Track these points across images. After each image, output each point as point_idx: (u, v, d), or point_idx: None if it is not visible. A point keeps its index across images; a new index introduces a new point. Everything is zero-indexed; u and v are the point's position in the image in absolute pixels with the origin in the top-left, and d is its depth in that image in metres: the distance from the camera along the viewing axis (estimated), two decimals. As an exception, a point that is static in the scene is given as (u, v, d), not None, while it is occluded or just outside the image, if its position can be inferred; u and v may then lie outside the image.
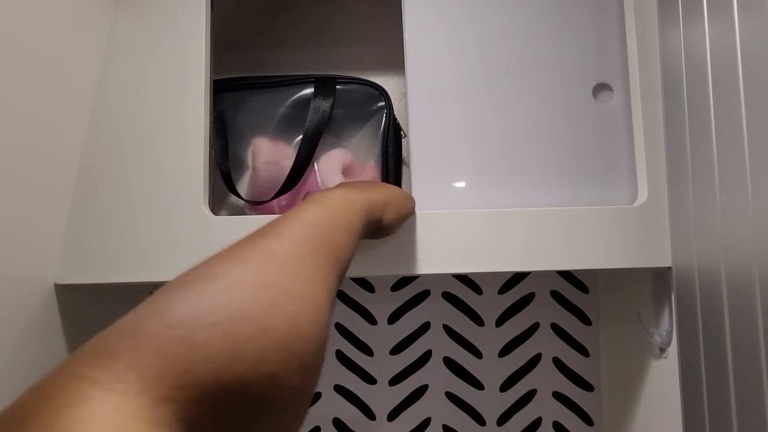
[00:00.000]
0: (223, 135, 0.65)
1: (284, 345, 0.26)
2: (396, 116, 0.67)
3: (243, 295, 0.26)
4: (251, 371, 0.24)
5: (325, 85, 0.66)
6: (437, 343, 0.79)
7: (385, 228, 0.45)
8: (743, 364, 0.40)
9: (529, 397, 0.78)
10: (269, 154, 0.64)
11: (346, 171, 0.65)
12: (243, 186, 0.66)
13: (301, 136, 0.64)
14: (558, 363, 0.79)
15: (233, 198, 0.65)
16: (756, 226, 0.39)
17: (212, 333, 0.24)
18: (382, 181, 0.65)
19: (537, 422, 0.78)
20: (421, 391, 0.78)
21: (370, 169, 0.66)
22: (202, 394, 0.23)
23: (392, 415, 0.78)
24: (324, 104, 0.65)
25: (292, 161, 0.63)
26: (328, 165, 0.64)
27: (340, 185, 0.47)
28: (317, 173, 0.64)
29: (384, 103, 0.67)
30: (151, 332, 0.24)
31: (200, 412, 0.23)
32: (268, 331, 0.25)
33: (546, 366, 0.79)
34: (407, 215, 0.49)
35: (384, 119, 0.66)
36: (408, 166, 0.64)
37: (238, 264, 0.29)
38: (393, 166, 0.66)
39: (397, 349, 0.79)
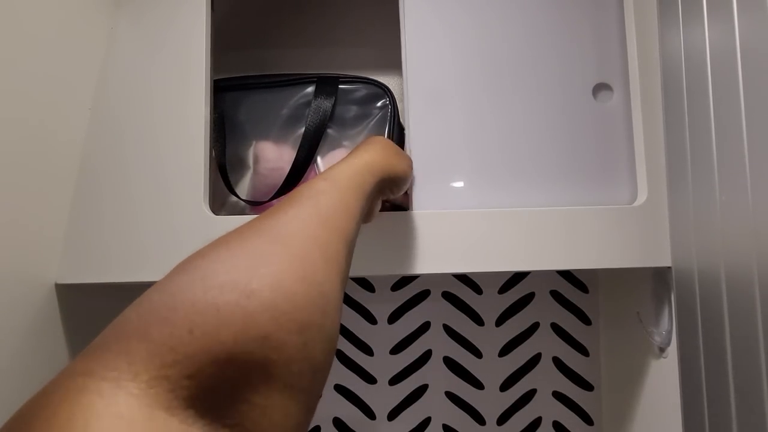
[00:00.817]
0: (223, 135, 0.65)
1: (271, 303, 0.26)
2: (399, 118, 0.67)
3: (220, 267, 0.27)
4: (241, 335, 0.24)
5: (326, 84, 0.66)
6: (437, 342, 0.79)
7: (392, 182, 0.45)
8: (743, 364, 0.40)
9: (529, 396, 0.79)
10: (273, 160, 0.64)
11: None
12: (243, 186, 0.66)
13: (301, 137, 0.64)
14: (558, 363, 0.79)
15: (234, 198, 0.65)
16: (755, 225, 0.39)
17: (191, 305, 0.24)
18: None
19: (537, 422, 0.78)
20: (421, 390, 0.78)
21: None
22: (195, 368, 0.23)
23: (392, 415, 0.78)
24: (325, 103, 0.65)
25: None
26: (331, 165, 0.64)
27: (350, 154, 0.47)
28: (318, 173, 0.64)
29: (388, 101, 0.66)
30: (136, 321, 0.24)
31: (196, 386, 0.23)
32: (249, 293, 0.25)
33: (546, 366, 0.79)
34: (405, 175, 0.48)
35: (388, 117, 0.66)
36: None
37: (219, 243, 0.29)
38: None
39: (397, 349, 0.79)
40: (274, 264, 0.28)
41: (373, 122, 0.66)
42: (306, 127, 0.64)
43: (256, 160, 0.65)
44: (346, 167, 0.40)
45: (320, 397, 0.29)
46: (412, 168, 0.51)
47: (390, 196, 0.48)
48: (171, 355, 0.23)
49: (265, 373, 0.25)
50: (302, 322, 0.27)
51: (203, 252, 0.29)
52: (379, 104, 0.66)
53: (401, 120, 0.67)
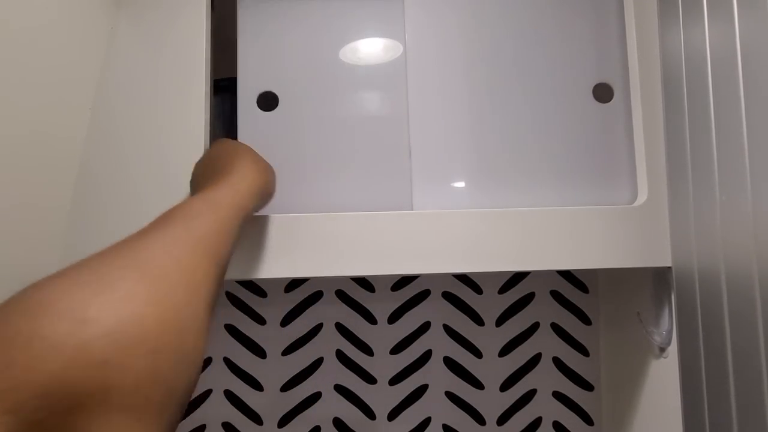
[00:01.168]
0: (222, 135, 0.65)
1: (112, 329, 0.24)
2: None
3: (55, 296, 0.25)
4: (73, 364, 0.23)
5: None
6: (437, 342, 0.79)
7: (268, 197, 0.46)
8: (743, 364, 0.40)
9: (529, 396, 0.78)
10: None
11: None
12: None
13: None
14: (558, 363, 0.79)
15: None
16: (756, 225, 0.39)
17: (12, 339, 0.23)
18: None
19: (537, 422, 0.78)
20: (421, 390, 0.78)
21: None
22: (13, 402, 0.21)
23: (392, 415, 0.78)
24: None
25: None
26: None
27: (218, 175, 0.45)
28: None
29: None
30: None
31: (18, 421, 0.21)
32: (86, 320, 0.24)
33: (546, 366, 0.79)
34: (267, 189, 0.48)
35: None
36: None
37: (69, 272, 0.28)
38: None
39: (397, 349, 0.79)
40: (122, 288, 0.26)
41: None
42: None
43: None
44: (229, 191, 0.39)
45: (180, 419, 0.28)
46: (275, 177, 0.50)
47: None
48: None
49: (105, 399, 0.24)
50: (152, 345, 0.25)
51: (43, 281, 0.27)
52: None
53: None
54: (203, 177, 0.47)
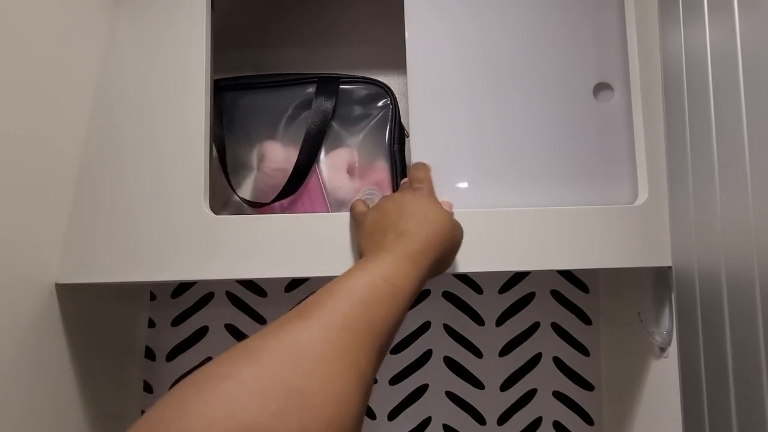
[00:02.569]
0: (222, 135, 0.65)
1: None
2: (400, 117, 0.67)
3: (247, 403, 0.25)
4: None
5: (327, 84, 0.66)
6: (437, 342, 0.79)
7: (443, 265, 0.43)
8: (743, 364, 0.40)
9: (529, 396, 0.79)
10: (279, 161, 0.64)
11: (351, 170, 0.65)
12: (244, 187, 0.66)
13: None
14: (558, 362, 0.79)
15: (235, 198, 0.65)
16: (756, 225, 0.39)
17: None
18: (392, 181, 0.64)
19: (537, 422, 0.78)
20: (422, 390, 0.78)
21: (378, 168, 0.65)
22: None
23: (393, 415, 0.78)
24: (326, 104, 0.65)
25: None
26: (333, 165, 0.64)
27: (389, 242, 0.41)
28: (320, 173, 0.64)
29: (389, 101, 0.66)
30: None
31: None
32: None
33: (546, 365, 0.79)
34: (460, 245, 0.46)
35: (390, 117, 0.66)
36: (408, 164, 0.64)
37: (246, 362, 0.27)
38: (400, 162, 0.65)
39: (397, 349, 0.79)
40: (307, 409, 0.26)
41: (374, 122, 0.66)
42: (307, 129, 0.64)
43: (261, 159, 0.65)
44: (403, 263, 0.37)
45: None
46: (461, 238, 0.47)
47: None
48: None
49: None
50: None
51: (230, 368, 0.27)
52: (380, 104, 0.66)
53: (402, 120, 0.67)
54: (374, 236, 0.44)
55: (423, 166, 0.53)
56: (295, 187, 0.63)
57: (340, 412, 0.27)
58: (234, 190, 0.64)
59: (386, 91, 0.66)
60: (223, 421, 0.23)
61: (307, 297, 0.33)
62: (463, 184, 0.57)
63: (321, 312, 0.31)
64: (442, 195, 0.57)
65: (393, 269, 0.36)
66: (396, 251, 0.38)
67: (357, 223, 0.49)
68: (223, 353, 0.28)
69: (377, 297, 0.33)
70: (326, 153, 0.65)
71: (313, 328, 0.29)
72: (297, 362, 0.27)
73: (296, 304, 0.33)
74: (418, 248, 0.39)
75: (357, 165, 0.65)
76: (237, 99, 0.66)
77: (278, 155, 0.64)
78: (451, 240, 0.44)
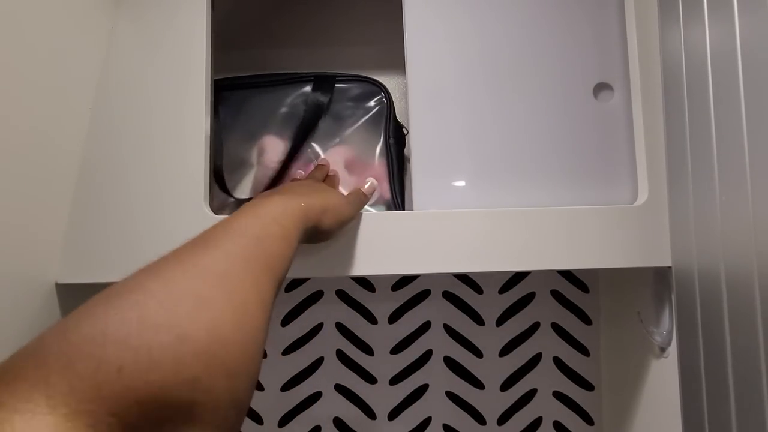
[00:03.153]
0: (219, 137, 0.65)
1: (205, 349, 0.26)
2: (396, 115, 0.68)
3: (157, 306, 0.26)
4: (171, 378, 0.24)
5: (323, 82, 0.67)
6: (438, 342, 0.79)
7: (323, 233, 0.45)
8: (742, 364, 0.40)
9: (529, 396, 0.79)
10: (278, 154, 0.65)
11: (349, 166, 0.65)
12: (245, 185, 0.66)
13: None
14: (558, 362, 0.79)
15: (235, 193, 0.65)
16: (755, 225, 0.39)
17: (123, 344, 0.24)
18: (388, 176, 0.65)
19: (537, 422, 0.78)
20: (422, 390, 0.78)
21: (374, 164, 0.66)
22: (120, 406, 0.23)
23: (393, 415, 0.78)
24: (320, 98, 0.66)
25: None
26: (332, 162, 0.65)
27: (277, 190, 0.48)
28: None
29: (383, 98, 0.67)
30: (58, 350, 0.24)
31: (118, 423, 0.23)
32: (185, 337, 0.25)
33: (546, 365, 0.79)
34: (347, 221, 0.48)
35: (384, 114, 0.67)
36: (409, 164, 0.64)
37: (154, 277, 0.28)
38: (396, 160, 0.66)
39: (397, 349, 0.79)
40: (213, 309, 0.28)
41: (369, 118, 0.67)
42: (300, 120, 0.65)
43: (261, 153, 0.65)
44: (296, 208, 0.40)
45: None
46: (353, 204, 0.50)
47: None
48: (95, 391, 0.22)
49: (190, 414, 0.25)
50: (233, 368, 0.27)
51: (137, 284, 0.28)
52: (374, 101, 0.67)
53: (397, 117, 0.68)
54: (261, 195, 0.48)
55: (320, 167, 0.61)
56: (280, 179, 0.65)
57: (245, 320, 0.29)
58: (228, 191, 0.64)
59: (380, 88, 0.67)
60: (135, 320, 0.25)
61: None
62: (463, 184, 0.57)
63: (219, 243, 0.32)
64: (442, 195, 0.57)
65: (282, 212, 0.38)
66: (287, 198, 0.41)
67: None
68: (130, 274, 0.29)
69: (269, 234, 0.35)
70: (324, 150, 0.65)
71: (215, 254, 0.31)
72: (202, 276, 0.29)
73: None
74: (306, 204, 0.42)
75: (355, 161, 0.65)
76: (235, 98, 0.67)
77: (278, 148, 0.65)
78: (338, 211, 0.46)
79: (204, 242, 0.32)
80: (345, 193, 0.61)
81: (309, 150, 0.66)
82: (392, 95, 0.68)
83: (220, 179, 0.64)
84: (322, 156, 0.65)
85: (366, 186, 0.56)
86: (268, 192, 0.49)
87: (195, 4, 0.56)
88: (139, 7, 0.56)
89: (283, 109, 0.66)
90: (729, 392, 0.41)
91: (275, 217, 0.37)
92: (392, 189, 0.64)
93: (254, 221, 0.36)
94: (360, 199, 0.53)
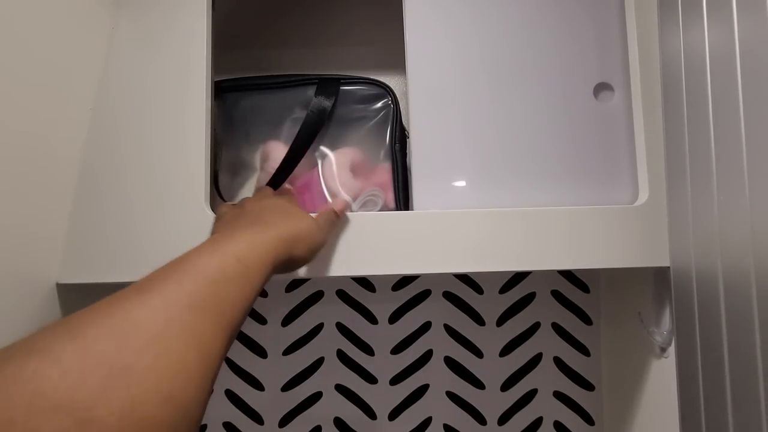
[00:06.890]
0: (215, 141, 0.65)
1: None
2: (402, 119, 0.67)
3: (59, 379, 0.22)
4: None
5: (327, 85, 0.66)
6: (438, 342, 0.79)
7: (295, 263, 0.42)
8: (740, 364, 0.40)
9: (529, 396, 0.79)
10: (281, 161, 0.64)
11: (355, 169, 0.64)
12: (248, 188, 0.66)
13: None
14: (559, 362, 0.79)
15: (235, 198, 0.65)
16: (753, 226, 0.39)
17: (7, 428, 0.20)
18: (393, 184, 0.64)
19: (538, 422, 0.78)
20: (422, 390, 0.79)
21: (380, 167, 0.65)
22: None
23: (393, 415, 0.78)
24: (325, 102, 0.65)
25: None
26: (337, 163, 0.64)
27: (246, 218, 0.44)
28: (320, 173, 0.64)
29: (390, 101, 0.66)
30: None
31: None
32: (87, 422, 0.21)
33: (547, 365, 0.79)
34: (319, 247, 0.46)
35: (391, 117, 0.66)
36: (409, 165, 0.64)
37: (66, 337, 0.24)
38: (401, 168, 0.65)
39: (397, 349, 0.79)
40: (132, 381, 0.23)
41: (375, 122, 0.66)
42: (302, 124, 0.64)
43: (265, 159, 0.65)
44: (263, 243, 0.37)
45: None
46: (321, 228, 0.47)
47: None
48: None
49: None
50: None
51: (44, 345, 0.23)
52: (380, 104, 0.66)
53: (403, 119, 0.67)
54: (230, 223, 0.45)
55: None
56: (280, 182, 0.63)
57: (177, 387, 0.25)
58: (222, 197, 0.64)
59: (387, 90, 0.66)
60: (27, 397, 0.21)
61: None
62: (463, 184, 0.57)
63: (164, 288, 0.29)
64: (443, 195, 0.57)
65: (247, 250, 0.35)
66: (253, 233, 0.37)
67: (216, 218, 0.49)
68: (43, 327, 0.25)
69: (228, 276, 0.32)
70: (330, 152, 0.65)
71: (153, 303, 0.27)
72: (127, 338, 0.25)
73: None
74: (275, 235, 0.39)
75: (361, 165, 0.65)
76: (238, 100, 0.66)
77: (282, 155, 0.64)
78: (310, 240, 0.43)
79: (148, 286, 0.29)
80: (347, 197, 0.61)
81: (317, 152, 0.65)
82: (394, 96, 0.67)
83: (215, 184, 0.63)
84: (331, 156, 0.64)
85: (338, 204, 0.52)
86: (235, 218, 0.45)
87: (195, 5, 0.56)
88: (139, 7, 0.57)
89: (288, 114, 0.66)
90: (726, 391, 0.41)
91: (238, 256, 0.34)
92: (397, 198, 0.63)
93: (211, 260, 0.32)
94: (331, 220, 0.50)
